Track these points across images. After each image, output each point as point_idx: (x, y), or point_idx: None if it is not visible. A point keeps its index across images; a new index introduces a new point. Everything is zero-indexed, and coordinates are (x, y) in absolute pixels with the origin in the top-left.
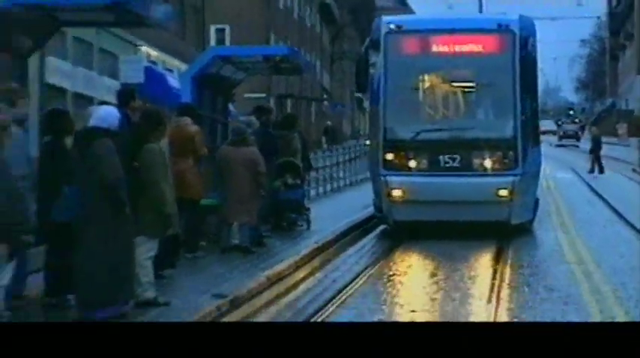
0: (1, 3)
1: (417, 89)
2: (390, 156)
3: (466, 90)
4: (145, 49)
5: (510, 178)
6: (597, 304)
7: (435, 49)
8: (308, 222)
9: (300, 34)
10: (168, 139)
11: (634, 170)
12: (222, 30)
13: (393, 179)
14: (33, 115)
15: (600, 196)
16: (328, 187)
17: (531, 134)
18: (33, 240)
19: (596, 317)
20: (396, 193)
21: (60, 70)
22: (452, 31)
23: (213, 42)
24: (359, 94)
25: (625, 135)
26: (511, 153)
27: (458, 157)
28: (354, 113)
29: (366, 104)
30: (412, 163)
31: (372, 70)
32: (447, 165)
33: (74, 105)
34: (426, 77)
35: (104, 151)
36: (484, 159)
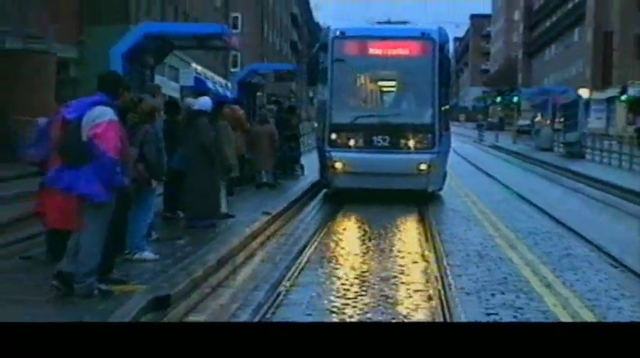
0: (137, 37)
1: (356, 83)
2: (334, 136)
3: (395, 85)
4: (193, 65)
5: (428, 156)
6: (482, 215)
7: (371, 51)
8: (302, 170)
9: (278, 58)
10: (227, 119)
11: (475, 141)
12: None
13: (336, 154)
14: None
15: (462, 157)
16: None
17: (445, 121)
18: (165, 178)
19: (480, 220)
20: (338, 165)
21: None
22: (385, 38)
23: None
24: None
25: (464, 121)
26: (429, 135)
27: (388, 138)
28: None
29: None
30: (351, 142)
31: (320, 68)
32: (379, 144)
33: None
34: (364, 74)
35: (203, 126)
36: (408, 140)
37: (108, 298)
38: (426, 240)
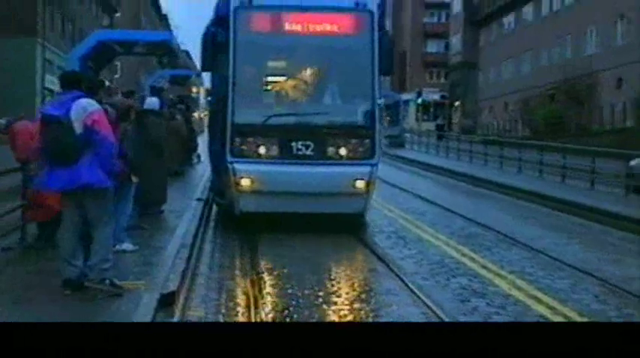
0: (91, 42)
1: (267, 70)
2: (238, 142)
3: (322, 72)
4: None
5: (367, 168)
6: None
7: (287, 26)
8: (199, 158)
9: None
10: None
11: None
12: None
13: (241, 167)
14: None
15: None
16: None
17: (380, 120)
18: None
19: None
20: (245, 182)
21: None
22: (307, 9)
23: None
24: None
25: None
26: (368, 140)
27: (312, 144)
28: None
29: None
30: (262, 150)
31: (217, 49)
32: (300, 153)
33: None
34: (278, 57)
35: (151, 123)
36: (340, 146)
37: (116, 288)
38: None
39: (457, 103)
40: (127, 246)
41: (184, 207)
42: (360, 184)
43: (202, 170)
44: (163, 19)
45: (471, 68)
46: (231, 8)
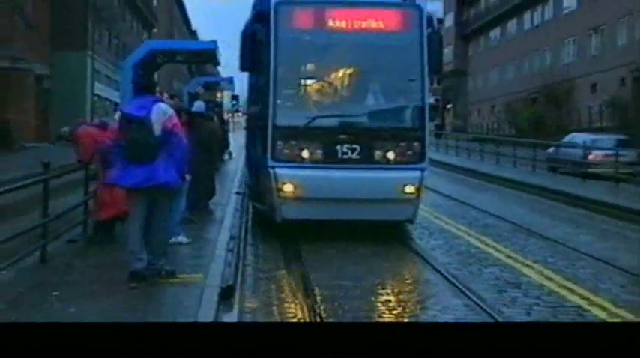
0: (144, 51)
1: (312, 69)
2: (280, 145)
3: (368, 71)
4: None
5: (417, 172)
6: None
7: (331, 23)
8: (230, 155)
9: None
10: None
11: None
12: None
13: (284, 172)
14: None
15: None
16: None
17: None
18: None
19: None
20: (288, 188)
21: None
22: (352, 4)
23: None
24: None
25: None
26: (417, 144)
27: (358, 148)
28: None
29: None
30: (305, 154)
31: (257, 47)
32: (346, 157)
33: None
34: (322, 56)
35: (199, 124)
36: (388, 150)
37: (172, 277)
38: None
39: (449, 106)
40: (182, 238)
41: (226, 201)
42: (410, 190)
43: (235, 166)
44: (193, 34)
45: (461, 75)
46: (272, 4)
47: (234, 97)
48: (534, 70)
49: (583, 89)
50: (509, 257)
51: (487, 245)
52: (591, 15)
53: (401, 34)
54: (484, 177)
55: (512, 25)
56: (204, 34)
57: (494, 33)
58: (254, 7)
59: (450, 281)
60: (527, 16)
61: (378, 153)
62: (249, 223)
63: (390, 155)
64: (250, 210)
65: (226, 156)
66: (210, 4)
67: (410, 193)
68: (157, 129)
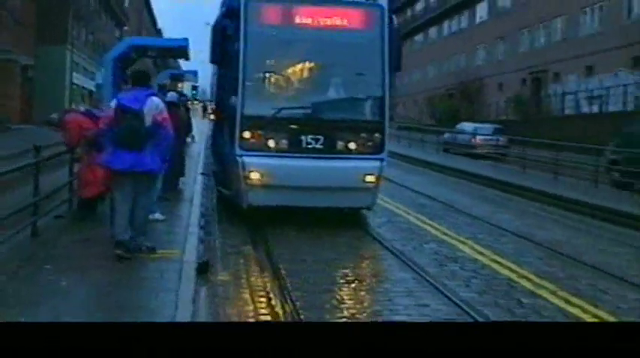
0: (123, 46)
1: (279, 63)
2: (247, 135)
3: (332, 66)
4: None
5: (377, 163)
6: None
7: (299, 20)
8: (193, 138)
9: None
10: None
11: None
12: None
13: (251, 160)
14: None
15: None
16: None
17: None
18: None
19: None
20: (254, 176)
21: None
22: (318, 2)
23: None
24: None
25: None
26: (378, 135)
27: (322, 138)
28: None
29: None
30: (271, 143)
31: (226, 41)
32: (311, 147)
33: None
34: (289, 50)
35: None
36: (351, 141)
37: (153, 252)
38: None
39: None
40: (158, 215)
41: (193, 181)
42: (371, 179)
43: (198, 148)
44: (158, 32)
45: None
46: (242, 1)
47: (194, 88)
48: (451, 69)
49: (491, 87)
50: (445, 234)
51: (424, 222)
52: (499, 26)
53: (364, 31)
54: (413, 161)
55: (433, 31)
56: (170, 31)
57: (419, 37)
58: (224, 3)
59: (397, 256)
60: (446, 24)
61: (340, 144)
62: (214, 201)
63: (352, 146)
64: (215, 190)
65: (189, 139)
66: (174, 5)
67: (370, 182)
68: (147, 121)
